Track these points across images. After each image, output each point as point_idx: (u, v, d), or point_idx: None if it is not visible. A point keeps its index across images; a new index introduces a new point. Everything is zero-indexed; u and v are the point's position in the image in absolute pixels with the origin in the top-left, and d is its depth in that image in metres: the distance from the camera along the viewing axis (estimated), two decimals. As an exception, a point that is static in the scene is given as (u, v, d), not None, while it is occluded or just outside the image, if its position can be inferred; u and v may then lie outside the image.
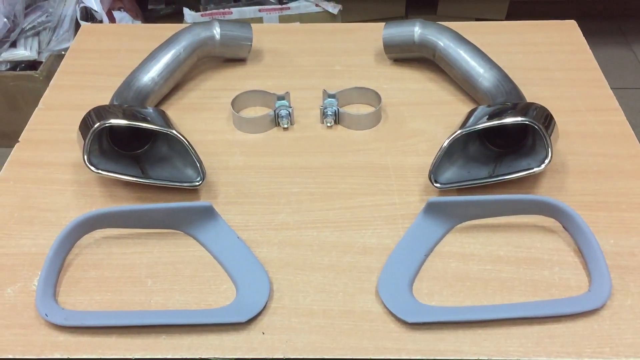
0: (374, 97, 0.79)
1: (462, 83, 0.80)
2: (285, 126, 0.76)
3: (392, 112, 0.79)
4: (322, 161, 0.72)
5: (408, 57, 0.87)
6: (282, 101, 0.78)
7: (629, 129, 0.75)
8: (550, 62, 0.87)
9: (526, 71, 0.85)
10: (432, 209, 0.62)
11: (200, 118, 0.79)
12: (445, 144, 0.64)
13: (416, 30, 0.82)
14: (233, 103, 0.78)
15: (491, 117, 0.66)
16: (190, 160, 0.66)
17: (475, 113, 0.68)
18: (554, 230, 0.63)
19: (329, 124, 0.77)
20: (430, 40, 0.81)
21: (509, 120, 0.64)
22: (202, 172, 0.66)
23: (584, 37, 0.91)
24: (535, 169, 0.63)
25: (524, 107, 0.66)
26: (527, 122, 0.63)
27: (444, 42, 0.81)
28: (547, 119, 0.65)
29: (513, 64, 0.86)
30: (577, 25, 0.94)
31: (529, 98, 0.78)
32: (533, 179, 0.69)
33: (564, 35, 0.92)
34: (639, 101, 2.07)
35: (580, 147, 0.73)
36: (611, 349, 0.53)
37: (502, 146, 0.71)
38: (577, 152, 0.72)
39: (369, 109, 0.79)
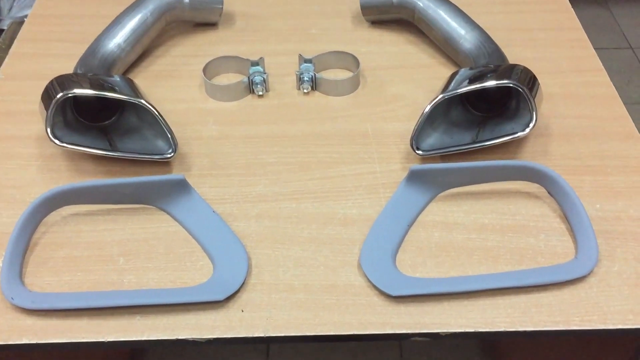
0: (352, 62, 0.76)
1: (442, 45, 0.77)
2: (260, 93, 0.73)
3: (371, 77, 0.76)
4: (300, 129, 0.70)
5: (386, 19, 0.83)
6: (257, 67, 0.74)
7: (612, 90, 0.73)
8: (532, 22, 0.84)
9: (508, 32, 0.82)
10: (414, 178, 0.60)
11: (170, 86, 0.75)
12: (426, 109, 0.62)
13: (395, -10, 0.79)
14: (205, 70, 0.74)
15: (473, 80, 0.64)
16: (161, 131, 0.63)
17: (457, 77, 0.65)
18: (538, 196, 0.62)
19: (305, 90, 0.74)
20: (409, 1, 0.78)
21: (491, 83, 0.61)
22: (173, 144, 0.62)
23: (566, -4, 0.89)
24: (519, 134, 0.61)
25: (507, 69, 0.64)
26: (510, 85, 0.61)
27: (423, 3, 0.77)
28: (531, 81, 0.63)
29: (494, 24, 0.83)
30: (558, -17, 0.91)
31: (511, 60, 0.76)
32: (517, 144, 0.67)
33: (546, -6, 0.89)
34: (616, 61, 2.06)
35: (564, 109, 0.71)
36: (599, 316, 0.52)
37: (486, 110, 0.69)
38: (561, 115, 0.70)
39: (347, 74, 0.76)
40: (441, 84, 0.66)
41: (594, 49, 0.80)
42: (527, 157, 0.66)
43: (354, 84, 0.74)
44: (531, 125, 0.61)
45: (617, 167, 0.64)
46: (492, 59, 0.69)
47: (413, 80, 0.76)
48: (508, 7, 0.87)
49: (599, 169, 0.64)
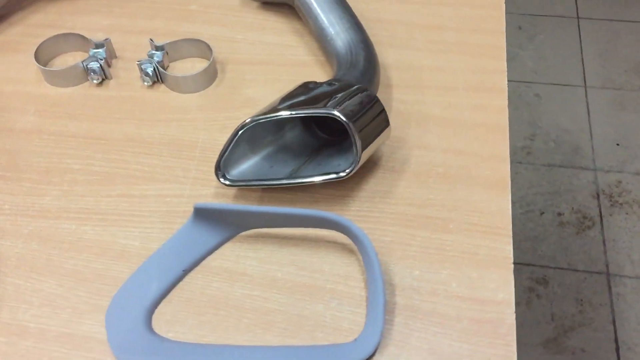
0: (208, 52, 0.66)
1: (316, 42, 0.66)
2: (95, 81, 0.65)
3: (232, 72, 0.66)
4: (125, 131, 0.61)
5: (274, 2, 0.72)
6: (99, 50, 0.65)
7: (504, 119, 0.61)
8: (450, 18, 0.71)
9: (412, 29, 0.70)
10: (201, 216, 0.51)
11: (8, 62, 0.67)
12: (234, 134, 0.52)
13: (277, -31, 0.67)
14: (40, 50, 0.65)
15: (305, 101, 0.53)
16: (-54, 124, 0.56)
17: (296, 91, 0.55)
18: (353, 251, 0.52)
19: (146, 84, 0.64)
20: (291, -16, 0.66)
21: (307, 110, 0.50)
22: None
23: (502, -12, 0.74)
24: (331, 175, 0.51)
25: (343, 93, 0.53)
26: (326, 114, 0.50)
27: (304, -12, 0.65)
28: (366, 111, 0.52)
29: (400, 17, 0.70)
30: (502, -30, 0.76)
31: (401, 64, 0.65)
32: (358, 178, 0.56)
33: (482, -17, 0.75)
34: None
35: (435, 138, 0.59)
36: (352, 421, 0.43)
37: (337, 132, 0.58)
38: (427, 146, 0.59)
39: (201, 66, 0.66)
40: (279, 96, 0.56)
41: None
42: (365, 197, 0.55)
43: (204, 80, 0.64)
44: (347, 170, 0.50)
45: (462, 225, 0.53)
46: (349, 71, 0.58)
47: (278, 81, 0.65)
48: (428, -4, 0.73)
49: (441, 224, 0.53)
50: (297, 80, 0.65)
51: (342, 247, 0.52)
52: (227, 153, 0.53)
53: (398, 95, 0.63)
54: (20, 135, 0.61)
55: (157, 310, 0.49)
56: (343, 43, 0.61)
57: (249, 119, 0.52)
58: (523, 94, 1.62)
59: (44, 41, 0.66)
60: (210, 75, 0.64)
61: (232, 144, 0.52)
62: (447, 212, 0.54)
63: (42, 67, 0.64)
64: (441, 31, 0.69)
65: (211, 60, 0.64)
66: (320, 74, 0.65)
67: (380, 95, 0.63)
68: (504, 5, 0.72)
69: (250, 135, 0.54)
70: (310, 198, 0.55)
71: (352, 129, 0.50)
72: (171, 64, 0.67)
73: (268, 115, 0.51)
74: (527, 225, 1.34)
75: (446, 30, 0.69)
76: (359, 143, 0.50)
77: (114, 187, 0.57)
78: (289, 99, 0.54)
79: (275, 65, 0.67)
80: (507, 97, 0.63)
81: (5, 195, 0.56)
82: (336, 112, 0.50)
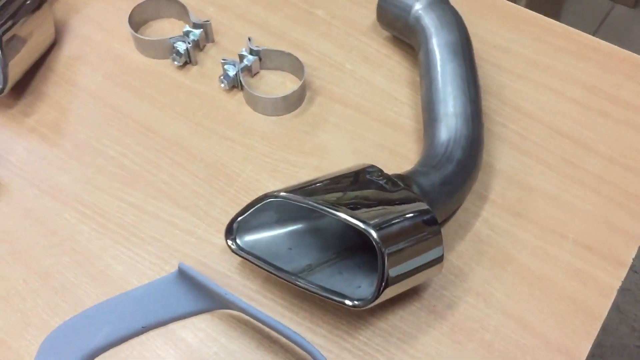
0: (300, 74, 0.56)
1: (422, 110, 0.54)
2: (177, 63, 0.58)
3: (318, 107, 0.56)
4: (176, 131, 0.54)
5: (401, 38, 0.60)
6: (195, 31, 0.59)
7: (604, 306, 0.45)
8: (604, 154, 0.54)
9: (551, 134, 0.55)
10: (185, 278, 0.44)
11: (112, 9, 0.63)
12: (257, 203, 0.43)
13: (417, 7, 0.55)
14: (139, 9, 0.60)
15: (352, 189, 0.43)
16: None
17: (355, 176, 0.45)
18: (330, 394, 0.42)
19: (223, 86, 0.57)
20: (424, 30, 0.54)
21: (340, 214, 0.40)
22: (3, 78, 0.52)
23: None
24: (341, 299, 0.41)
25: (399, 203, 0.41)
26: (362, 229, 0.39)
27: (436, 41, 0.53)
28: (416, 241, 0.40)
29: (543, 113, 0.56)
30: None
31: (512, 176, 0.53)
32: (385, 303, 0.45)
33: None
34: None
35: (503, 292, 0.46)
36: None
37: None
38: (488, 297, 0.46)
39: (289, 87, 0.57)
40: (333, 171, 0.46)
41: None
42: (379, 329, 0.44)
43: (282, 106, 0.55)
44: (357, 302, 0.40)
45: None
46: (433, 173, 0.46)
47: (362, 137, 0.55)
48: (606, 95, 0.57)
49: (450, 411, 0.41)
50: (382, 144, 0.54)
51: (322, 381, 0.42)
52: (246, 215, 0.44)
53: (488, 214, 0.50)
54: (80, 93, 0.57)
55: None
56: (446, 130, 0.49)
57: (282, 193, 0.43)
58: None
59: (144, 2, 0.60)
60: (290, 103, 0.55)
61: (253, 209, 0.44)
62: (467, 398, 0.42)
63: (132, 30, 0.59)
64: (585, 151, 0.54)
65: (298, 87, 0.55)
66: (410, 149, 0.54)
67: (466, 205, 0.50)
68: (685, 147, 0.54)
69: (282, 204, 0.45)
70: (321, 301, 0.46)
71: (385, 259, 0.39)
72: (262, 72, 0.59)
73: (301, 199, 0.41)
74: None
75: (593, 152, 0.54)
76: (386, 278, 0.39)
77: (133, 192, 0.51)
78: (338, 183, 0.44)
79: (368, 116, 0.56)
80: (623, 277, 0.47)
81: (36, 158, 0.52)
82: (373, 232, 0.39)
